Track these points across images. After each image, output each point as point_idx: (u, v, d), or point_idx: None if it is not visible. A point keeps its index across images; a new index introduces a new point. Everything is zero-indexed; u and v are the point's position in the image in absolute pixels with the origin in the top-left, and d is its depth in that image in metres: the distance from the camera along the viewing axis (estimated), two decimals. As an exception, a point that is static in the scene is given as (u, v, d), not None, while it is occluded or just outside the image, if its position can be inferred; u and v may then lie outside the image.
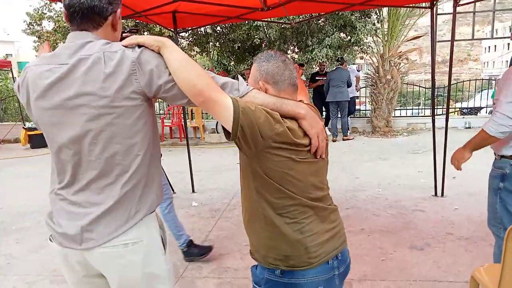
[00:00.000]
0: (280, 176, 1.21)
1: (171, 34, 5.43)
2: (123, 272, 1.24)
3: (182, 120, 8.15)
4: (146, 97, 1.18)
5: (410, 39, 8.56)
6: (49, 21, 9.28)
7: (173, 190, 5.01)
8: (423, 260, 2.96)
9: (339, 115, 8.40)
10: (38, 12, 9.08)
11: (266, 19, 5.87)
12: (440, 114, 8.80)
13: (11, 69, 9.64)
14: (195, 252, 3.04)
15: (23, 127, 9.36)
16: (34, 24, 9.42)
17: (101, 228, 1.19)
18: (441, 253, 3.05)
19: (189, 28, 6.58)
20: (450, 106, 5.97)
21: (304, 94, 1.68)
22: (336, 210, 1.41)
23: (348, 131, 8.55)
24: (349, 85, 8.26)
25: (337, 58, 9.06)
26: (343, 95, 8.18)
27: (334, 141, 8.22)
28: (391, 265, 2.91)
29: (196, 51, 10.70)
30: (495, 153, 2.19)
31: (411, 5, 4.73)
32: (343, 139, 8.34)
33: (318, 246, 1.26)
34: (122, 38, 1.56)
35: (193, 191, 5.03)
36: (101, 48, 1.14)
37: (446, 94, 4.64)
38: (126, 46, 1.15)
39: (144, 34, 8.69)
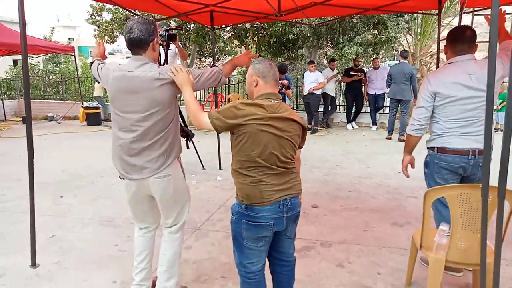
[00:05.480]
0: (245, 140, 1.84)
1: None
2: (163, 191, 2.19)
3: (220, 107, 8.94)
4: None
5: (442, 39, 8.65)
6: (108, 13, 10.39)
7: (203, 167, 5.81)
8: (400, 234, 3.50)
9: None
10: (99, 4, 10.20)
11: (293, 20, 6.41)
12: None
13: (73, 53, 10.86)
14: None
15: (82, 106, 10.59)
16: (96, 14, 10.57)
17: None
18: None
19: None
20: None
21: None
22: (292, 172, 1.98)
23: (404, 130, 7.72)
24: (412, 82, 7.64)
25: (400, 52, 8.47)
26: (403, 93, 7.67)
27: (389, 139, 8.05)
28: (370, 235, 3.48)
29: (236, 44, 11.43)
30: None
31: (419, 11, 5.07)
32: (399, 139, 7.73)
33: (269, 191, 1.87)
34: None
35: (220, 168, 5.79)
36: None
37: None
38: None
39: (188, 28, 9.52)
